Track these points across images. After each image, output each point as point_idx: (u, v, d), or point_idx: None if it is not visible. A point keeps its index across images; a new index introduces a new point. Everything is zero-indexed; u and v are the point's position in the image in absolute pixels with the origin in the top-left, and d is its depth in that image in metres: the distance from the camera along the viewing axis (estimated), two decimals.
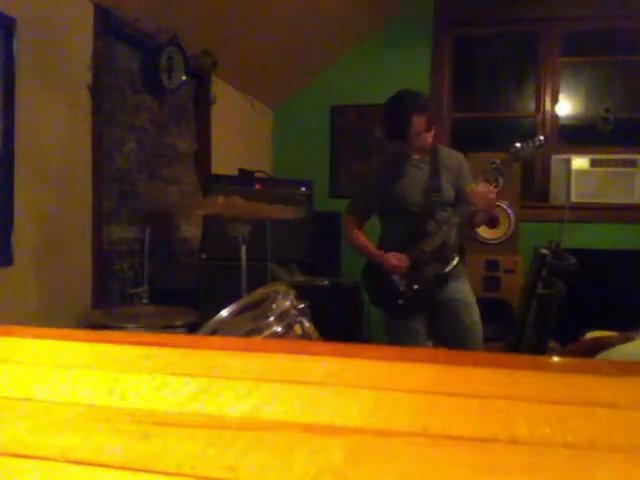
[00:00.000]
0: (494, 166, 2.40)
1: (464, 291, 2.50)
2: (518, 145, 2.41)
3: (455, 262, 2.46)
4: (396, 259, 2.38)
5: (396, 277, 2.41)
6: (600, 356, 1.71)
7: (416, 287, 2.40)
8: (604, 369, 0.62)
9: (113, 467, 0.41)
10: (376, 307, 2.62)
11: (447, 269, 2.42)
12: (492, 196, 2.35)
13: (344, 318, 3.58)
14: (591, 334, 2.24)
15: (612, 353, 1.70)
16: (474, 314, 2.49)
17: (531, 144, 2.39)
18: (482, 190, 2.33)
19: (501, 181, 2.42)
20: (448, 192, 2.44)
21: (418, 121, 2.36)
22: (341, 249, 4.22)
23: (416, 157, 2.47)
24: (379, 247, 2.48)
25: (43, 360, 0.68)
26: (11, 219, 2.26)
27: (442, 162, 2.46)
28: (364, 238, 2.54)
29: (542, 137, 2.44)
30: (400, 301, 2.41)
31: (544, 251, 2.68)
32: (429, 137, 2.41)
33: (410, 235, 2.41)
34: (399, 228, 2.45)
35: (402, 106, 2.39)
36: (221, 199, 2.04)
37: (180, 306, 2.37)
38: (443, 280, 2.42)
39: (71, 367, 0.65)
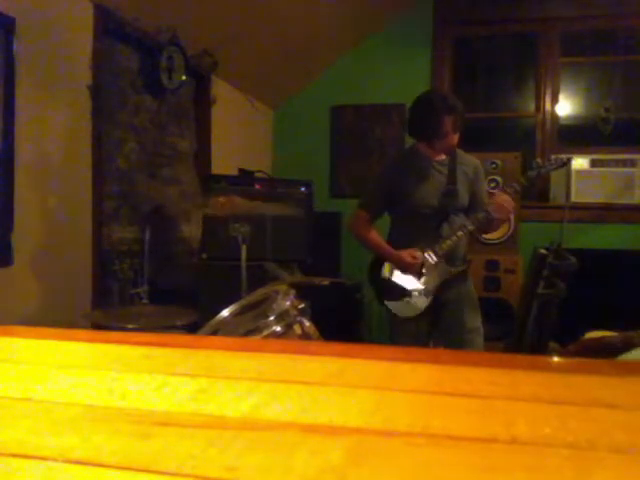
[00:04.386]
0: (518, 182, 2.45)
1: (468, 294, 2.51)
2: (539, 160, 2.46)
3: (463, 266, 2.48)
4: (411, 257, 2.39)
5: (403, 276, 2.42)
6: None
7: (423, 287, 2.40)
8: (604, 369, 0.62)
9: (113, 467, 0.41)
10: (381, 305, 2.62)
11: (455, 273, 2.43)
12: (510, 209, 2.40)
13: (344, 318, 3.58)
14: (591, 334, 2.24)
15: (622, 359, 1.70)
16: (477, 317, 2.50)
17: (553, 162, 2.45)
18: (502, 203, 2.36)
19: (518, 193, 2.48)
20: (463, 197, 2.46)
21: (448, 121, 2.36)
22: (341, 249, 4.22)
23: (437, 160, 2.47)
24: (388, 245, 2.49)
25: (43, 360, 0.68)
26: (11, 219, 2.26)
27: (459, 166, 2.47)
28: (377, 235, 2.52)
29: (564, 156, 2.48)
30: (406, 300, 2.42)
31: (543, 251, 2.69)
32: (455, 138, 2.43)
33: (422, 237, 2.42)
34: (411, 229, 2.45)
35: (433, 106, 2.38)
36: (222, 199, 2.04)
37: (180, 306, 2.37)
38: (450, 282, 2.43)
39: (71, 367, 0.65)
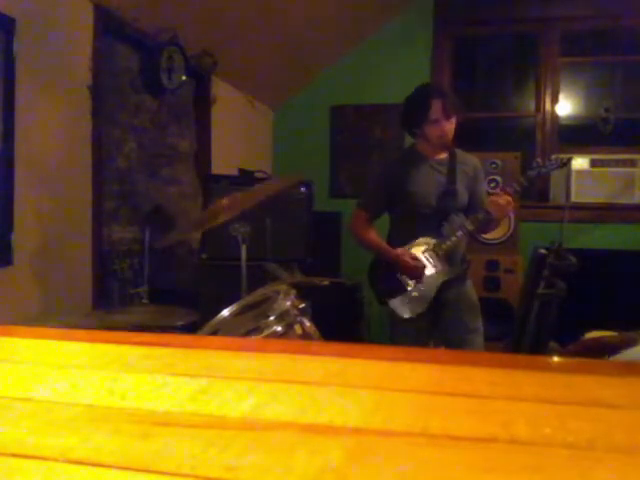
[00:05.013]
0: (518, 182, 2.44)
1: (468, 294, 2.51)
2: (540, 160, 2.45)
3: (463, 266, 2.47)
4: (411, 259, 2.38)
5: (403, 277, 2.41)
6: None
7: (423, 288, 2.40)
8: (604, 369, 0.62)
9: (113, 467, 0.41)
10: (381, 305, 2.62)
11: (455, 272, 2.43)
12: (510, 208, 2.39)
13: (344, 318, 3.58)
14: (591, 334, 2.24)
15: (618, 358, 1.70)
16: (477, 317, 2.49)
17: (553, 162, 2.44)
18: (501, 202, 2.35)
19: (518, 193, 2.47)
20: (463, 197, 2.45)
21: (437, 104, 2.36)
22: (341, 249, 4.22)
23: (436, 159, 2.47)
24: (387, 245, 2.48)
25: (43, 360, 0.68)
26: (11, 219, 2.26)
27: (459, 166, 2.46)
28: (376, 235, 2.51)
29: (564, 156, 2.48)
30: (406, 300, 2.41)
31: (543, 251, 2.68)
32: (448, 126, 2.38)
33: (422, 237, 2.42)
34: (411, 229, 2.45)
35: (420, 93, 2.42)
36: (224, 201, 2.03)
37: (180, 306, 2.37)
38: (450, 283, 2.42)
39: (71, 367, 0.65)
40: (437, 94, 2.38)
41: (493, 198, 2.39)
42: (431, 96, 2.37)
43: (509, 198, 2.37)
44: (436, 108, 2.36)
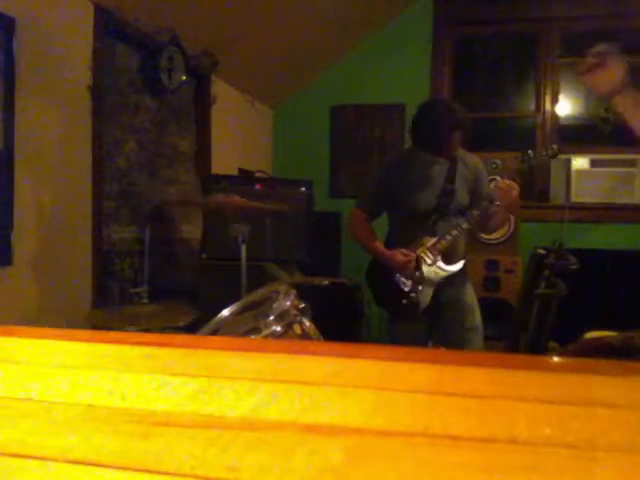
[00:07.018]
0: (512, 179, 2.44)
1: (467, 294, 2.50)
2: (531, 152, 2.44)
3: (460, 266, 2.47)
4: (403, 255, 2.38)
5: (401, 277, 2.41)
6: None
7: (420, 288, 2.40)
8: (604, 369, 0.62)
9: (113, 467, 0.41)
10: (379, 307, 2.62)
11: (452, 272, 2.42)
12: (515, 193, 2.35)
13: (344, 318, 3.58)
14: (591, 334, 2.24)
15: None
16: (476, 317, 2.49)
17: (544, 152, 2.43)
18: (504, 187, 2.34)
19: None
20: (462, 197, 2.44)
21: (457, 136, 2.36)
22: (341, 249, 4.22)
23: (434, 158, 2.45)
24: (386, 246, 2.48)
25: (43, 360, 0.68)
26: (11, 219, 2.26)
27: (459, 166, 2.46)
28: (372, 235, 2.51)
29: (555, 146, 2.46)
30: (404, 301, 2.41)
31: (541, 251, 2.68)
32: (459, 147, 2.43)
33: (420, 237, 2.41)
34: (410, 229, 2.44)
35: (443, 121, 2.33)
36: (221, 197, 2.04)
37: (180, 306, 2.37)
38: (447, 283, 2.42)
39: (71, 367, 0.65)
40: (458, 126, 2.34)
41: (497, 184, 2.39)
42: (453, 129, 2.34)
43: (511, 182, 2.35)
44: (456, 139, 2.37)
